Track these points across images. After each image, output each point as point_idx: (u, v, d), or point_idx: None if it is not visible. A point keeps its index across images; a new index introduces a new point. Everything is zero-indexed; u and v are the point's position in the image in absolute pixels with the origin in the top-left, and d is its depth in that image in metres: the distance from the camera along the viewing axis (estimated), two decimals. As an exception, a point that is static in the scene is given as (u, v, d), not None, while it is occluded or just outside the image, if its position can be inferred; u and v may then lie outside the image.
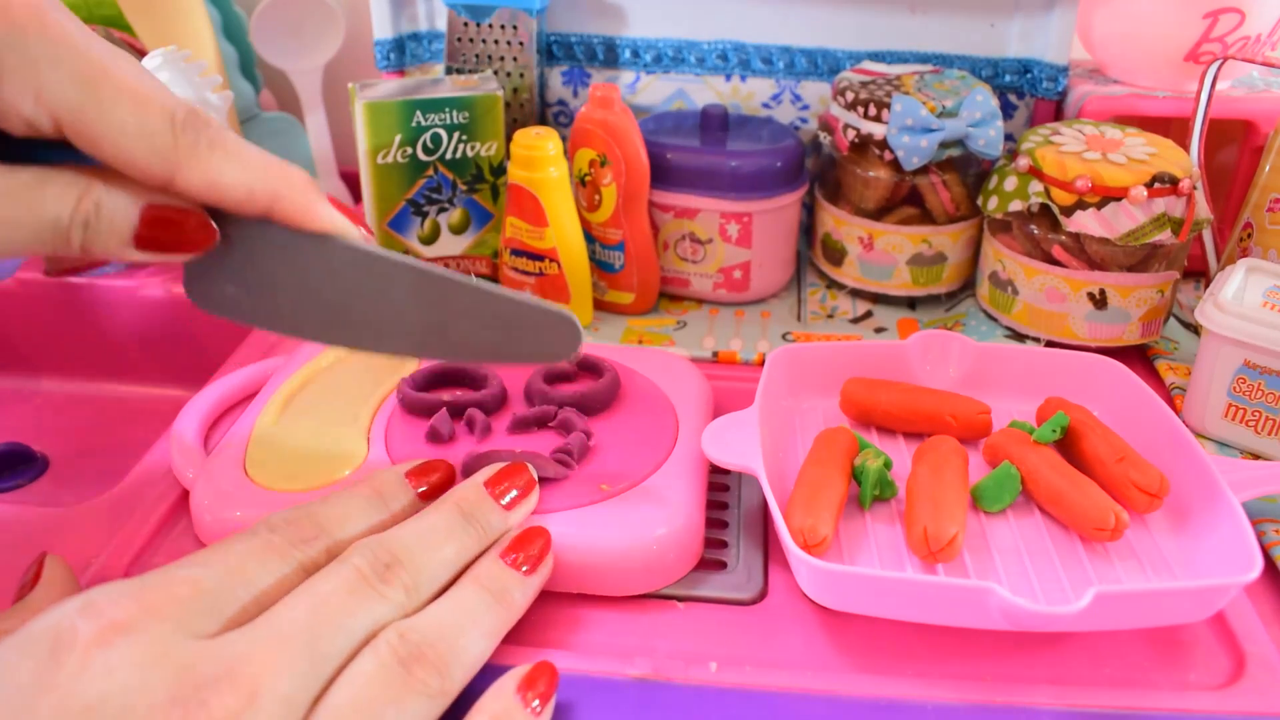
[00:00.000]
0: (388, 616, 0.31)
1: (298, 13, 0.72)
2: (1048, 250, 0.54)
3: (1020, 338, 0.56)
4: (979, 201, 0.57)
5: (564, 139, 0.56)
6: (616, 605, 0.38)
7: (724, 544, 0.42)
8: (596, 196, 0.57)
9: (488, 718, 0.31)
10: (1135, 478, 0.41)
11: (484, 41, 0.63)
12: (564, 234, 0.55)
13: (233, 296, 0.36)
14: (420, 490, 0.37)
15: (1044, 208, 0.53)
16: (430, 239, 0.59)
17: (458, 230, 0.59)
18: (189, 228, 0.33)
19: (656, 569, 0.38)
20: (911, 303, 0.62)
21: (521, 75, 0.64)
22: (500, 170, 0.58)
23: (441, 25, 0.67)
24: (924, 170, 0.57)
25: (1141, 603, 0.35)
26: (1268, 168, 0.54)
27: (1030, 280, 0.54)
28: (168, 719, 0.25)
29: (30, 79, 0.29)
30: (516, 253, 0.57)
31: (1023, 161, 0.54)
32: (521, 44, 0.63)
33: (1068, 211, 0.52)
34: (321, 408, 0.45)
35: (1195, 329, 0.57)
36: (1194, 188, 0.52)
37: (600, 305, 0.60)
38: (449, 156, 0.57)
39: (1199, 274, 0.62)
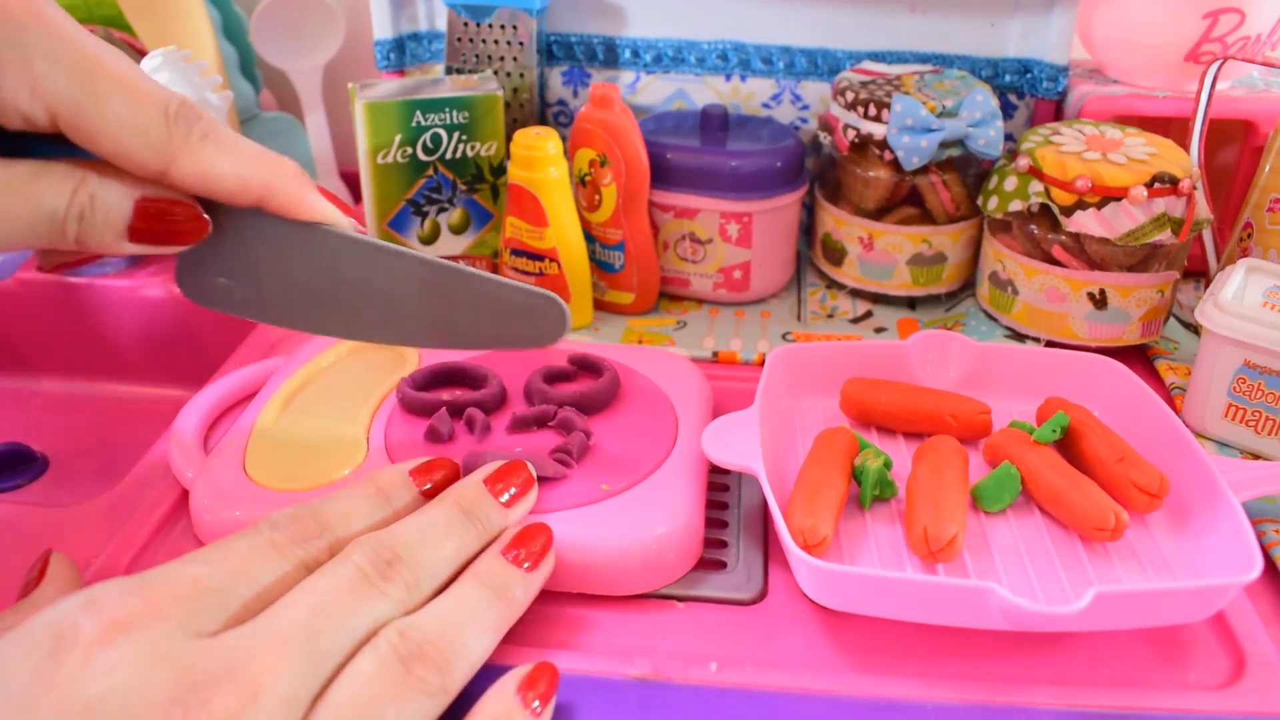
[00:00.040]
0: (388, 614, 0.31)
1: (298, 13, 0.72)
2: (1048, 250, 0.54)
3: (1020, 338, 0.56)
4: (979, 201, 0.57)
5: (564, 139, 0.57)
6: (616, 605, 0.38)
7: (724, 544, 0.42)
8: (596, 196, 0.57)
9: (488, 718, 0.31)
10: (1135, 478, 0.41)
11: (484, 41, 0.63)
12: (564, 234, 0.55)
13: (224, 288, 0.37)
14: (424, 489, 0.37)
15: (1044, 208, 0.53)
16: (430, 239, 0.59)
17: (458, 230, 0.59)
18: (182, 219, 0.33)
19: (656, 568, 0.38)
20: (911, 303, 0.62)
21: (521, 75, 0.64)
22: (500, 170, 0.58)
23: (441, 25, 0.67)
24: (924, 170, 0.57)
25: (1141, 603, 0.35)
26: (1268, 168, 0.54)
27: (1030, 280, 0.54)
28: (169, 717, 0.25)
29: (27, 72, 0.30)
30: (516, 253, 0.57)
31: (1023, 161, 0.54)
32: (521, 44, 0.63)
33: (1068, 211, 0.52)
34: (321, 407, 0.45)
35: (1195, 329, 0.57)
36: (1194, 188, 0.52)
37: (600, 305, 0.60)
38: (449, 156, 0.57)
39: (1199, 274, 0.62)
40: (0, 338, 0.65)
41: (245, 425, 0.44)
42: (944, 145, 0.55)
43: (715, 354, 0.56)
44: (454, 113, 0.56)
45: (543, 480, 0.39)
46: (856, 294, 0.62)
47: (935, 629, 0.37)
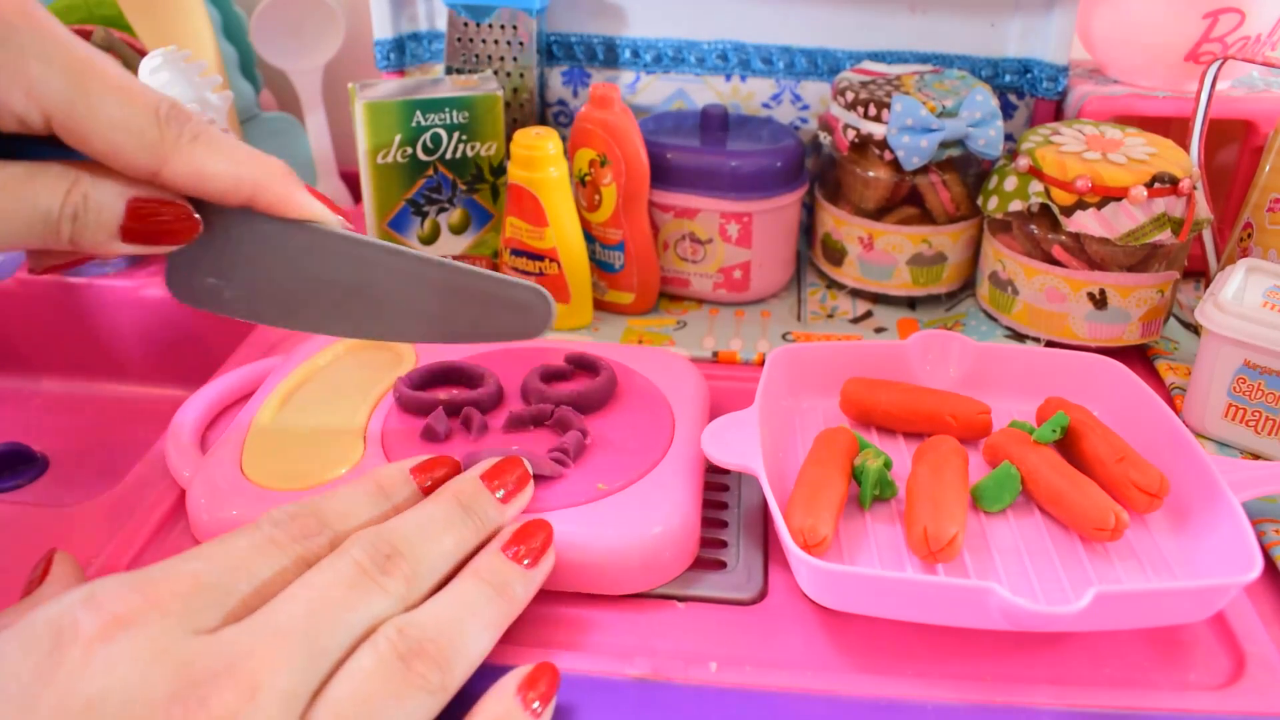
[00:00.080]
0: (387, 609, 0.31)
1: (298, 13, 0.72)
2: (1048, 250, 0.54)
3: (1020, 338, 0.56)
4: (979, 201, 0.57)
5: (564, 139, 0.57)
6: (616, 605, 0.38)
7: (724, 544, 0.42)
8: (596, 196, 0.57)
9: (489, 719, 0.30)
10: (1135, 478, 0.41)
11: (484, 41, 0.63)
12: (564, 234, 0.55)
13: (214, 288, 0.37)
14: (425, 486, 0.37)
15: (1044, 208, 0.53)
16: (430, 239, 0.59)
17: (458, 230, 0.59)
18: (174, 219, 0.34)
19: (653, 567, 0.38)
20: (911, 303, 0.62)
21: (521, 75, 0.64)
22: (500, 170, 0.58)
23: (441, 25, 0.67)
24: (924, 170, 0.57)
25: (1141, 603, 0.35)
26: (1268, 168, 0.54)
27: (1030, 280, 0.54)
28: (168, 715, 0.25)
29: (22, 74, 0.30)
30: (516, 253, 0.57)
31: (1023, 161, 0.54)
32: (521, 44, 0.63)
33: (1068, 211, 0.52)
34: (318, 406, 0.45)
35: (1195, 329, 0.57)
36: (1194, 188, 0.52)
37: (600, 305, 0.60)
38: (449, 156, 0.57)
39: (1199, 274, 0.62)
40: (0, 338, 0.65)
41: (242, 424, 0.44)
42: (944, 145, 0.55)
43: (715, 354, 0.56)
44: (454, 113, 0.56)
45: (539, 479, 0.39)
46: (856, 294, 0.62)
47: (935, 629, 0.37)
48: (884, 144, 0.56)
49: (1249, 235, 0.55)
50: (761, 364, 0.55)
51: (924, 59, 0.64)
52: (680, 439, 0.43)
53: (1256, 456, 0.48)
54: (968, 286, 0.62)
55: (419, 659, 0.29)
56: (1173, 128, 0.61)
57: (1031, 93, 0.64)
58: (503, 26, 0.63)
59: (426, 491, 0.37)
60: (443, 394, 0.45)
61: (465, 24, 0.63)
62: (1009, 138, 0.65)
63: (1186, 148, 0.55)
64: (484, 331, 0.38)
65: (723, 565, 0.40)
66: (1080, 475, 0.42)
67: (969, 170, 0.58)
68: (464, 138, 0.57)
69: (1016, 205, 0.54)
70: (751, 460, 0.40)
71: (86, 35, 0.63)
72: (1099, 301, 0.53)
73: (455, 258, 0.59)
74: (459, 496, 0.35)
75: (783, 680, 0.35)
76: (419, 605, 0.32)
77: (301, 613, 0.29)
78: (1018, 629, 0.36)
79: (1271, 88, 0.63)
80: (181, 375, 0.64)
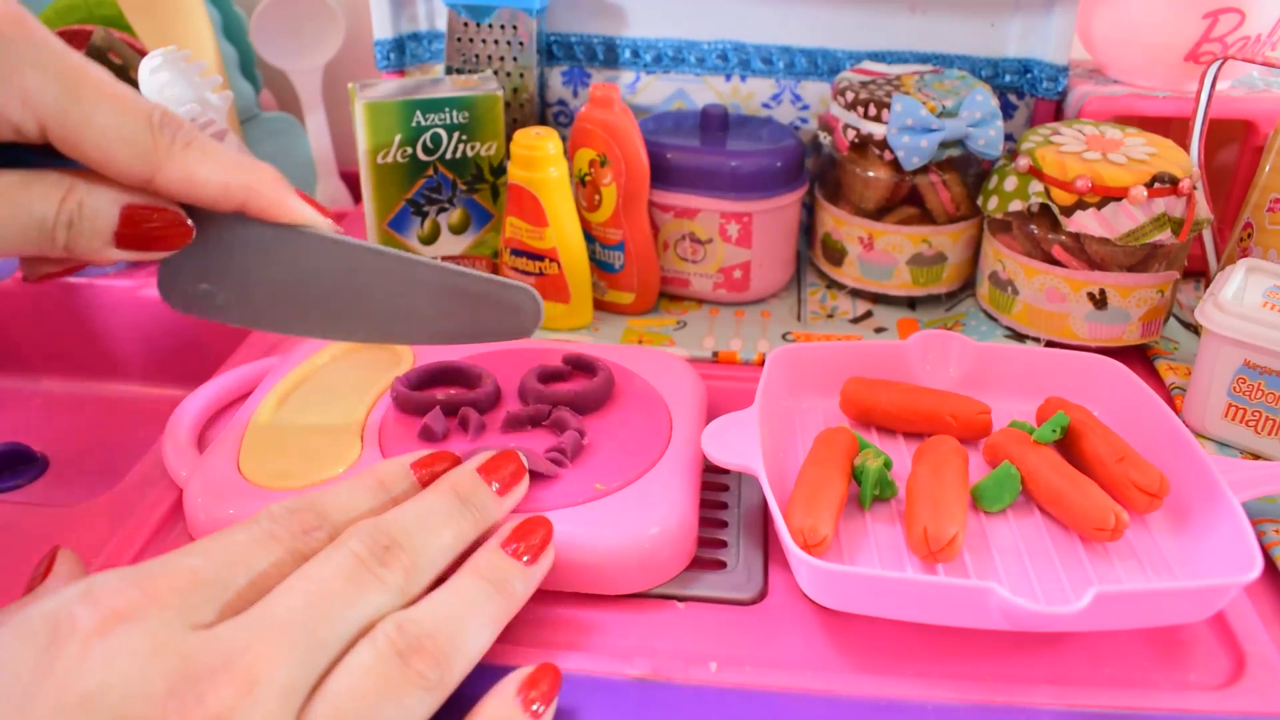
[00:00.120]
0: (386, 603, 0.31)
1: (298, 13, 0.72)
2: (1048, 250, 0.54)
3: (1020, 338, 0.56)
4: (979, 201, 0.57)
5: (564, 139, 0.57)
6: (616, 605, 0.38)
7: (724, 544, 0.42)
8: (596, 196, 0.57)
9: None
10: (1135, 478, 0.41)
11: (484, 41, 0.63)
12: (564, 234, 0.55)
13: (206, 293, 0.38)
14: (425, 481, 0.37)
15: (1044, 208, 0.53)
16: (430, 239, 0.59)
17: (458, 230, 0.59)
18: (167, 224, 0.35)
19: (650, 567, 0.38)
20: (911, 303, 0.62)
21: (521, 75, 0.64)
22: (500, 170, 0.58)
23: (441, 25, 0.67)
24: (924, 170, 0.57)
25: (1141, 603, 0.35)
26: (1268, 168, 0.54)
27: (1030, 280, 0.54)
28: (165, 711, 0.25)
29: (17, 83, 0.31)
30: (516, 253, 0.57)
31: (1023, 161, 0.54)
32: (521, 44, 0.63)
33: (1068, 211, 0.52)
34: (316, 406, 0.45)
35: (1195, 329, 0.57)
36: (1194, 188, 0.52)
37: (600, 305, 0.60)
38: (449, 156, 0.57)
39: (1199, 274, 0.62)
40: (0, 338, 0.65)
41: (240, 423, 0.44)
42: (944, 145, 0.55)
43: (715, 354, 0.56)
44: (454, 113, 0.56)
45: (537, 479, 0.39)
46: (856, 294, 0.62)
47: (935, 629, 0.37)
48: (884, 144, 0.56)
49: (1249, 235, 0.55)
50: (761, 364, 0.55)
51: (924, 59, 0.64)
52: (677, 439, 0.43)
53: (1256, 456, 0.47)
54: (968, 286, 0.62)
55: (417, 655, 0.29)
56: (1173, 128, 0.61)
57: (1031, 93, 0.64)
58: (503, 26, 0.63)
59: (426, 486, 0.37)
60: (440, 394, 0.45)
61: (465, 24, 0.63)
62: (1009, 138, 0.65)
63: (1186, 148, 0.55)
64: (475, 332, 0.39)
65: (723, 565, 0.40)
66: (1080, 475, 0.42)
67: (969, 170, 0.58)
68: (464, 138, 0.57)
69: (1016, 205, 0.54)
70: (751, 460, 0.40)
71: (87, 35, 0.63)
72: (1099, 301, 0.53)
73: (455, 258, 0.59)
74: (457, 489, 0.35)
75: (783, 680, 0.35)
76: (418, 600, 0.31)
77: (300, 605, 0.29)
78: (1018, 629, 0.36)
79: (1271, 88, 0.63)
80: (181, 375, 0.64)
